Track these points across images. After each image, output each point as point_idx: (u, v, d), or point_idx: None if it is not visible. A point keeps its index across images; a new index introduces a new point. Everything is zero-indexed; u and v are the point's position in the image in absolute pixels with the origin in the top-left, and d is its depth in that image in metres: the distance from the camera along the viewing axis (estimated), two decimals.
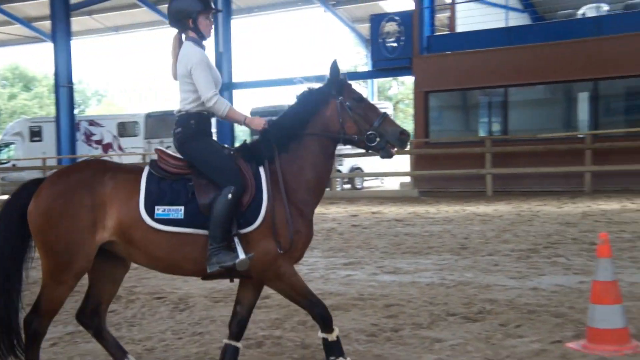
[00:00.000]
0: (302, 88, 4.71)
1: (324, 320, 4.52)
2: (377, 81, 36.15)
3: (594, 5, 20.16)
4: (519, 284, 7.27)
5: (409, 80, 33.87)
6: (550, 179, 17.74)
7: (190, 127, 4.56)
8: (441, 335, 5.52)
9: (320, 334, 4.56)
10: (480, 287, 7.21)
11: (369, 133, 4.53)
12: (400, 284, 7.59)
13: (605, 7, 20.40)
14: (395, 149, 4.62)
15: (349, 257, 9.42)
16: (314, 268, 8.65)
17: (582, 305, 5.99)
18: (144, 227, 4.33)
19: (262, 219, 4.39)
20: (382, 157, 4.65)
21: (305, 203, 4.54)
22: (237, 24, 32.44)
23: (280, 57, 52.72)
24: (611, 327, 4.85)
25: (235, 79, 26.62)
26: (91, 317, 4.69)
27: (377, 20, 22.62)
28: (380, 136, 4.54)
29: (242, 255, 4.30)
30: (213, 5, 4.72)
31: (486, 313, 6.11)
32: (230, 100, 26.36)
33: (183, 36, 4.68)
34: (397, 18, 22.19)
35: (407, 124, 39.16)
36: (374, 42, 22.66)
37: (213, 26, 4.78)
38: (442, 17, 26.03)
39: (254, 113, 26.98)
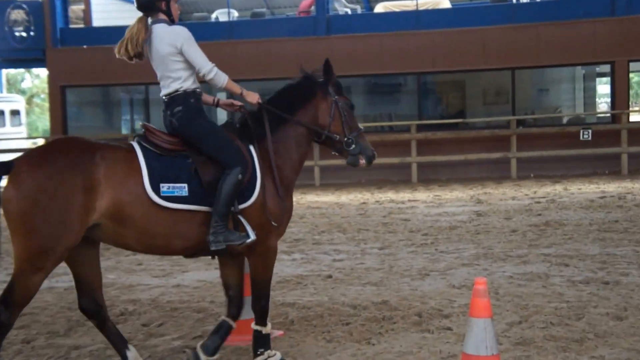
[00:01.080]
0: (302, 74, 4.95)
1: (263, 314, 4.74)
2: (7, 72, 33.37)
3: (225, 10, 21.22)
4: (163, 282, 7.32)
5: (44, 73, 31.91)
6: None
7: (192, 105, 4.64)
8: (80, 342, 5.31)
9: (254, 326, 4.74)
10: (123, 288, 7.10)
11: (348, 137, 4.93)
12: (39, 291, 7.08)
13: (235, 13, 21.68)
14: (363, 162, 5.00)
15: None
16: None
17: (222, 298, 6.25)
18: (147, 204, 4.31)
19: (256, 195, 4.58)
20: (350, 162, 5.00)
21: (290, 181, 4.83)
22: None
23: None
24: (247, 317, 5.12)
25: None
26: (94, 305, 4.55)
27: (1, 6, 20.87)
28: (356, 144, 4.95)
29: (252, 235, 4.46)
30: None
31: (128, 314, 6.04)
32: None
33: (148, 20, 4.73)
34: (25, 6, 20.74)
35: (44, 119, 36.84)
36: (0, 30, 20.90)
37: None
38: (76, 9, 25.03)
39: None
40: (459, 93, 19.08)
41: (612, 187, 14.07)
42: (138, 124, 19.56)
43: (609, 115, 18.12)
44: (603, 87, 22.73)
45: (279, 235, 4.76)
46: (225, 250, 4.51)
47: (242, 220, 4.51)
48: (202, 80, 4.74)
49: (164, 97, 4.73)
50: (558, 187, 14.56)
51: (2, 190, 4.17)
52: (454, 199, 13.51)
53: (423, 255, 8.23)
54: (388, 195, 14.68)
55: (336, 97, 4.98)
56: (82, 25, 21.79)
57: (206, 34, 19.22)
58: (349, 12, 20.69)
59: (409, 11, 19.00)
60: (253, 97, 4.80)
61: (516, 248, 8.38)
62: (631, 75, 21.07)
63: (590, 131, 16.48)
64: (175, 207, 4.37)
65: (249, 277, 4.77)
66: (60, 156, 4.23)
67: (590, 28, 17.31)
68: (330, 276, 7.30)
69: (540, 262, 7.56)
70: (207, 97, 4.87)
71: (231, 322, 4.78)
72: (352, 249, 8.79)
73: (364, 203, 13.56)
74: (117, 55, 4.72)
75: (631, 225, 9.49)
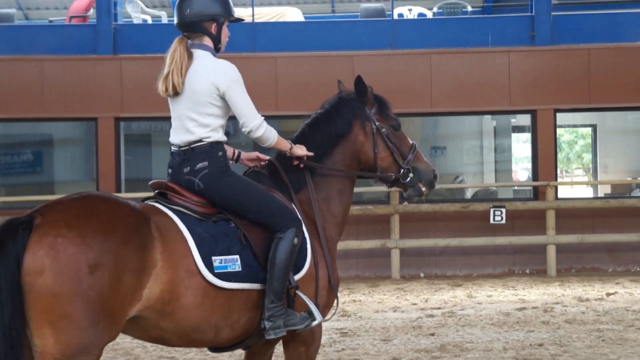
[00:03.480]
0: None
1: None
2: None
3: None
4: None
5: None
6: None
7: (219, 160, 5.47)
8: None
9: None
10: None
11: (403, 168, 5.93)
12: None
13: None
14: (425, 189, 5.99)
15: None
16: None
17: None
18: (201, 286, 5.04)
19: (309, 262, 5.47)
20: (410, 196, 6.04)
21: (334, 243, 5.78)
22: None
23: None
24: None
25: None
26: None
27: None
28: (414, 171, 5.93)
29: (318, 315, 5.33)
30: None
31: None
32: None
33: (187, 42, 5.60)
34: None
35: None
36: None
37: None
38: None
39: None
40: None
41: (534, 294, 14.82)
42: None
43: (529, 188, 19.17)
44: (521, 148, 24.07)
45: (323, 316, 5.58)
46: (263, 339, 5.37)
47: (303, 296, 5.36)
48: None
49: (177, 147, 5.51)
50: (459, 293, 15.13)
51: (27, 255, 4.67)
52: None
53: None
54: None
55: (376, 123, 5.95)
56: None
57: None
58: (149, 21, 20.84)
59: (241, 24, 19.31)
60: (302, 153, 5.73)
61: None
62: (560, 131, 22.48)
63: (503, 211, 17.26)
64: (230, 286, 5.15)
65: None
66: (113, 223, 4.85)
67: (502, 61, 18.38)
68: None
69: None
70: (283, 144, 5.74)
71: None
72: None
73: None
74: (162, 94, 5.54)
75: (561, 351, 9.98)
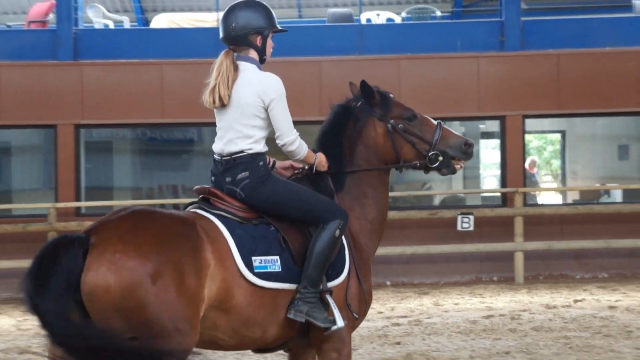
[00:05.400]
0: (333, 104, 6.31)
1: None
2: None
3: None
4: None
5: None
6: None
7: (260, 169, 5.80)
8: None
9: None
10: None
11: (430, 154, 6.14)
12: None
13: None
14: (461, 164, 6.27)
15: None
16: None
17: None
18: (244, 285, 5.42)
19: (347, 269, 5.80)
20: (445, 174, 6.31)
21: (370, 251, 6.14)
22: None
23: None
24: None
25: None
26: None
27: None
28: (442, 154, 6.15)
29: (340, 322, 5.63)
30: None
31: None
32: None
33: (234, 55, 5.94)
34: None
35: None
36: None
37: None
38: None
39: None
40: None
41: (502, 302, 14.97)
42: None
43: (498, 195, 19.35)
44: (490, 154, 24.27)
45: (354, 328, 6.01)
46: (306, 340, 5.75)
47: (330, 301, 5.66)
48: None
49: (219, 156, 5.88)
50: (426, 301, 15.27)
51: (89, 274, 4.99)
52: None
53: None
54: None
55: (391, 121, 6.17)
56: None
57: None
58: (111, 25, 20.84)
59: (206, 29, 19.32)
60: (324, 164, 6.07)
61: None
62: (528, 137, 22.69)
63: (471, 218, 17.33)
64: (271, 286, 5.51)
65: None
66: (163, 232, 5.22)
67: (470, 67, 18.55)
68: None
69: None
70: (310, 156, 6.01)
71: None
72: None
73: None
74: (209, 106, 5.89)
75: (528, 359, 10.13)
